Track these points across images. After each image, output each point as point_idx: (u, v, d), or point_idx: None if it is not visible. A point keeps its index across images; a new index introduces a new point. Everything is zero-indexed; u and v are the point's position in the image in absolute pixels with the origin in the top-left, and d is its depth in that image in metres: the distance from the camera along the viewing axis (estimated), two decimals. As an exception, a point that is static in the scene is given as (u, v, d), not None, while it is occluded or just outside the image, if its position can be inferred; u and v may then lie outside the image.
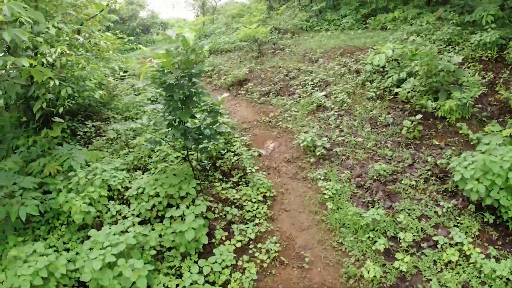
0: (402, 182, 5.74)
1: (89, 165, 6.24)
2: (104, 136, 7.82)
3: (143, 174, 6.34)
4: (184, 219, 4.64)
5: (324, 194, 5.50)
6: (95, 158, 6.53)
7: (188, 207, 5.02)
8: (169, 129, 4.83)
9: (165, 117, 4.64)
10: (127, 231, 4.67)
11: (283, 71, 9.78)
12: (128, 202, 5.77)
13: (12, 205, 4.84)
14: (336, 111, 7.58)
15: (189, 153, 5.60)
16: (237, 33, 12.77)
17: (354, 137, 6.76)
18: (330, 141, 6.67)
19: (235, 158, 6.18)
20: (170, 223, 4.78)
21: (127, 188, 5.93)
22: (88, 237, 5.22)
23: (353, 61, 9.43)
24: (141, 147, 6.91)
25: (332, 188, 5.50)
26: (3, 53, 6.47)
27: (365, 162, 6.19)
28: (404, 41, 9.68)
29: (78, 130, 7.99)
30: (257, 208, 5.25)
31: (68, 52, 5.73)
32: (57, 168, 5.88)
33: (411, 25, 11.23)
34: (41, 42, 5.83)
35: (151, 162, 6.53)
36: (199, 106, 4.66)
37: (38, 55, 6.17)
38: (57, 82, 5.80)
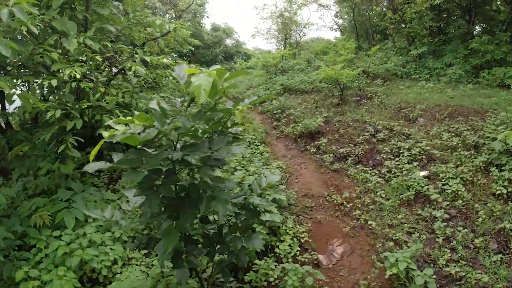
0: None
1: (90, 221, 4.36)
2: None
3: (148, 254, 4.22)
4: None
5: None
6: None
7: None
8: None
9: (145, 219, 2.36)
10: None
11: (369, 128, 7.04)
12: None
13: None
14: (445, 209, 4.64)
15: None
16: (317, 72, 10.41)
17: (473, 267, 3.77)
18: (435, 270, 3.77)
19: (278, 271, 3.64)
20: None
21: (115, 275, 3.87)
22: None
23: (468, 129, 6.35)
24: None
25: None
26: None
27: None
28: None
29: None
30: None
31: (78, 76, 3.95)
32: (45, 219, 4.07)
33: (542, 86, 7.77)
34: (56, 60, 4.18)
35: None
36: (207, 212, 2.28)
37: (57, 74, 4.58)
38: (58, 113, 4.05)
